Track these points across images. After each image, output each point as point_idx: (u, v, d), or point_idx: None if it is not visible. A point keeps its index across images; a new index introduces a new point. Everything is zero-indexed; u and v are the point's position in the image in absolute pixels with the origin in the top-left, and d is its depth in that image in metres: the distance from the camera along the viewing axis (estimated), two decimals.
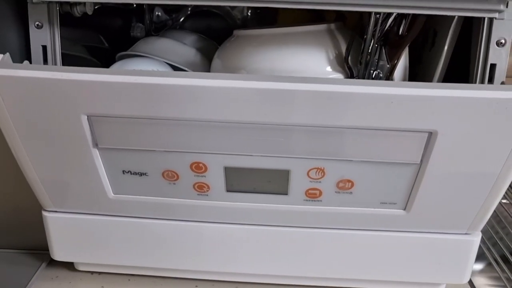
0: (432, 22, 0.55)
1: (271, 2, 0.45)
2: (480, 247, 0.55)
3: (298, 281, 0.60)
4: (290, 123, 0.43)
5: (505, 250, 0.68)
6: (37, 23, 0.50)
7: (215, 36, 0.73)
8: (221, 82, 0.41)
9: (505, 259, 0.67)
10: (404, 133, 0.43)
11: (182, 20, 0.83)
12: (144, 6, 0.79)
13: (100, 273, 0.62)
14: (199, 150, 0.46)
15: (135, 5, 0.80)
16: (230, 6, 0.81)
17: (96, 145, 0.46)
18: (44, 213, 0.55)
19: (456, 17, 0.50)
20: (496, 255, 0.68)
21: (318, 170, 0.47)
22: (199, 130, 0.44)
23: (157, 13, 0.82)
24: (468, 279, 0.56)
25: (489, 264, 0.71)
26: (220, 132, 0.44)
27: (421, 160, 0.45)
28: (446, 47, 0.52)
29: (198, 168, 0.48)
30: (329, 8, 0.45)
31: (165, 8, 0.82)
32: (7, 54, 0.44)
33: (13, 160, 0.50)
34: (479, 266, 0.73)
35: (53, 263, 0.62)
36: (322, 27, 0.54)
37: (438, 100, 0.40)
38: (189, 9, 0.83)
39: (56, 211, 0.55)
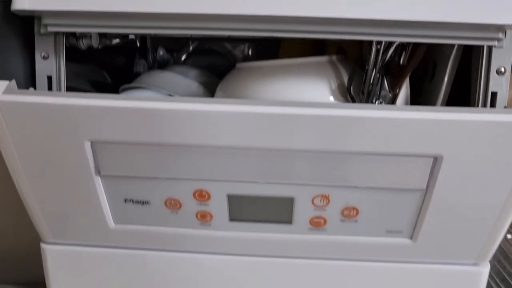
0: (431, 53, 0.56)
1: (269, 31, 0.46)
2: (488, 282, 0.54)
3: None
4: (294, 148, 0.43)
5: None
6: (43, 54, 0.51)
7: (217, 74, 0.74)
8: (225, 107, 0.41)
9: None
10: (409, 158, 0.43)
11: (184, 59, 0.84)
12: (148, 45, 0.81)
13: None
14: (202, 177, 0.46)
15: (138, 44, 0.82)
16: (231, 45, 0.83)
17: (98, 172, 0.46)
18: (43, 246, 0.54)
19: (455, 47, 0.51)
20: None
21: (323, 197, 0.47)
22: (202, 156, 0.44)
23: (160, 52, 0.84)
24: None
25: None
26: (224, 158, 0.44)
27: (427, 186, 0.45)
28: (446, 78, 0.53)
29: (201, 196, 0.47)
30: (329, 37, 0.46)
31: (167, 48, 0.84)
32: (13, 81, 0.44)
33: (11, 192, 0.49)
34: None
35: None
36: (323, 58, 0.55)
37: (442, 124, 0.40)
38: (191, 47, 0.85)
39: (55, 243, 0.54)
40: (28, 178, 0.47)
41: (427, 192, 0.45)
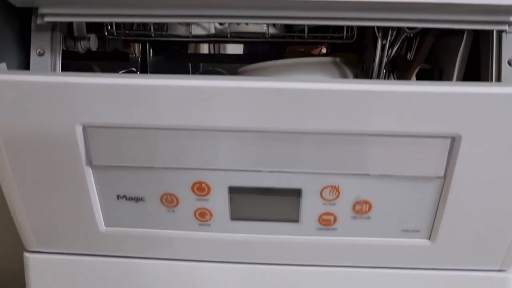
0: (436, 60, 0.54)
1: (274, 18, 0.44)
2: None
3: None
4: (301, 129, 0.40)
5: None
6: (39, 50, 0.50)
7: None
8: (225, 83, 0.38)
9: None
10: (424, 139, 0.40)
11: None
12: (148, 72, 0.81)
13: None
14: (202, 166, 0.42)
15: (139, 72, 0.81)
16: (233, 66, 0.82)
17: (90, 162, 0.43)
18: (26, 255, 0.49)
19: (461, 49, 0.50)
20: None
21: (332, 188, 0.43)
22: (202, 141, 0.41)
23: None
24: None
25: None
26: (225, 143, 0.41)
27: (445, 173, 0.41)
28: (454, 80, 0.51)
29: (200, 189, 0.44)
30: (335, 23, 0.44)
31: None
32: (3, 63, 0.42)
33: None
34: None
35: None
36: (327, 59, 0.54)
37: (458, 98, 0.38)
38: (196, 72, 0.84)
39: (39, 252, 0.49)
40: (13, 170, 0.43)
41: (445, 180, 0.42)
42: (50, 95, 0.39)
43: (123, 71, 0.79)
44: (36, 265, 0.50)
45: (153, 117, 0.40)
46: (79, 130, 0.41)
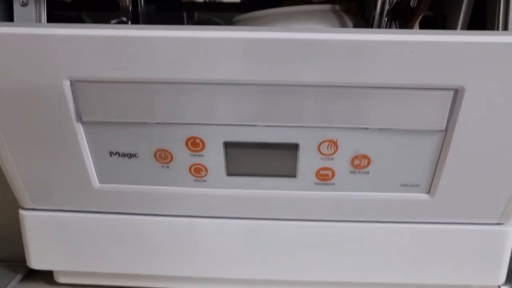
0: (441, 6, 0.52)
1: None
2: None
3: (309, 286, 0.52)
4: (298, 81, 0.38)
5: None
6: (22, 0, 0.47)
7: None
8: (218, 33, 0.36)
9: None
10: (426, 92, 0.38)
11: None
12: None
13: (83, 286, 0.54)
14: (195, 121, 0.41)
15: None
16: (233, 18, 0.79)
17: (80, 119, 0.41)
18: (21, 212, 0.49)
19: None
20: None
21: (330, 143, 0.42)
22: (195, 94, 0.39)
23: None
24: (503, 280, 0.49)
25: None
26: (219, 96, 0.39)
27: (447, 127, 0.40)
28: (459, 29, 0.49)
29: (194, 145, 0.43)
30: None
31: None
32: None
33: None
34: None
35: (28, 276, 0.55)
36: (327, 7, 0.51)
37: (463, 48, 0.36)
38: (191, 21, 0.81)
39: (34, 209, 0.49)
40: (2, 129, 0.42)
41: (446, 134, 0.40)
42: (35, 48, 0.38)
43: (113, 21, 0.76)
44: (32, 222, 0.49)
45: (144, 70, 0.38)
46: (66, 85, 0.39)
